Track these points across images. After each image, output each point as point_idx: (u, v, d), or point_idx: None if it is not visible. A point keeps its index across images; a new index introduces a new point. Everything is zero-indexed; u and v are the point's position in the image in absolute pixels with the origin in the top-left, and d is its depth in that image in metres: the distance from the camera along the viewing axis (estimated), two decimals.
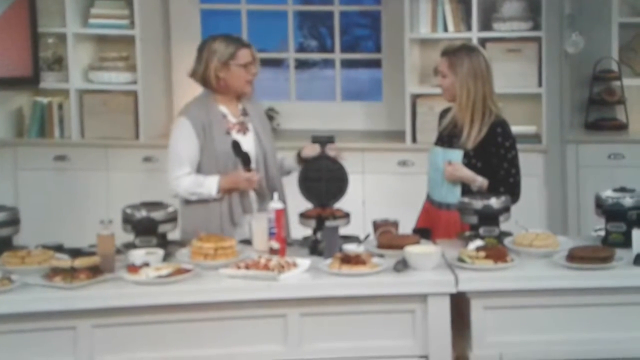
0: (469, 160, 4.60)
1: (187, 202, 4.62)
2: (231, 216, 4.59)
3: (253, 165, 4.59)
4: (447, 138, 4.70)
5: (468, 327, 3.98)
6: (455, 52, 4.65)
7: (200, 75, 4.65)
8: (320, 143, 4.56)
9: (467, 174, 4.59)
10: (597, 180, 6.15)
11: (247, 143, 4.65)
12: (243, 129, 4.68)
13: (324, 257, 4.13)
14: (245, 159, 4.56)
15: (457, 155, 4.62)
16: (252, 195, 4.65)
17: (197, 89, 4.76)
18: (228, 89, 4.65)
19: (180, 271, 3.96)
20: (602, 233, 4.36)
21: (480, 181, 4.57)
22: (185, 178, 4.56)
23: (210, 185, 4.54)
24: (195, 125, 4.58)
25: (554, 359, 3.98)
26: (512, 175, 4.61)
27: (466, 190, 4.59)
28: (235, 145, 4.57)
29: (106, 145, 6.80)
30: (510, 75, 6.51)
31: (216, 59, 4.60)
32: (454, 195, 4.60)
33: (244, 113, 4.72)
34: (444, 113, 4.80)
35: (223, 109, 4.67)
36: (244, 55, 4.62)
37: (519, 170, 4.65)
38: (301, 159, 4.66)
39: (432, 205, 4.75)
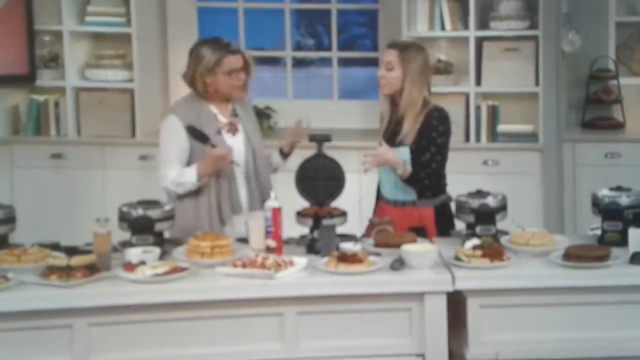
0: (415, 154, 4.59)
1: (179, 198, 4.59)
2: (220, 215, 4.58)
3: (242, 165, 4.59)
4: (391, 136, 4.68)
5: (464, 325, 3.98)
6: (408, 48, 4.67)
7: (189, 79, 4.65)
8: (317, 141, 4.56)
9: (393, 157, 4.56)
10: (594, 179, 6.14)
11: (237, 143, 4.65)
12: (233, 129, 4.67)
13: (321, 255, 4.13)
14: (202, 138, 4.51)
15: (404, 152, 4.60)
16: (242, 194, 4.64)
17: None
18: (217, 93, 4.63)
19: (176, 269, 3.96)
20: (599, 232, 4.36)
21: (402, 165, 4.55)
22: (172, 173, 4.55)
23: (190, 173, 4.52)
24: (185, 124, 4.56)
25: (550, 358, 3.98)
26: (437, 161, 4.59)
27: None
28: (190, 129, 4.53)
29: (102, 143, 6.78)
30: (507, 74, 6.50)
31: (202, 65, 4.58)
32: (409, 193, 4.59)
33: (234, 114, 4.71)
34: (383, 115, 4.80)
35: (213, 108, 4.66)
36: (229, 62, 4.59)
37: (444, 159, 4.63)
38: (284, 154, 4.73)
39: (387, 204, 4.72)
